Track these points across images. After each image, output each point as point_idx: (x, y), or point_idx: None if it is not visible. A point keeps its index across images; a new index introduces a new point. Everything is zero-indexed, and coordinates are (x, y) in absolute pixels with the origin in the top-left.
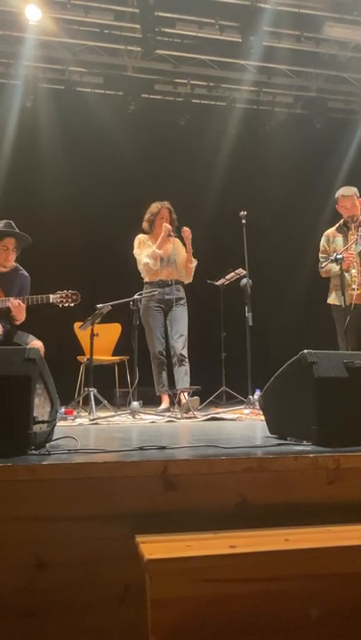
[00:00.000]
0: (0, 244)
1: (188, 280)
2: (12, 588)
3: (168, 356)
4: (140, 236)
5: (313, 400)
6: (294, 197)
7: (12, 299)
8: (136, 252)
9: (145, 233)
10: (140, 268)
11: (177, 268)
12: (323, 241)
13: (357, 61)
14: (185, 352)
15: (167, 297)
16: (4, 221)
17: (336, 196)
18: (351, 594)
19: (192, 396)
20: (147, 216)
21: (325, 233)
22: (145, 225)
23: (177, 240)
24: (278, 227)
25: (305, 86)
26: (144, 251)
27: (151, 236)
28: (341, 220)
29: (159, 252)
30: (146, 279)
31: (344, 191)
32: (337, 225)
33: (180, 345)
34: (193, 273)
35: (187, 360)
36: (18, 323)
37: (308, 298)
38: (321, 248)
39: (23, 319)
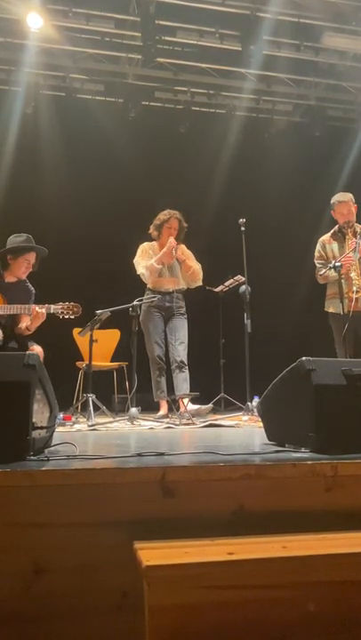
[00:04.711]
0: (23, 257)
1: (195, 284)
2: (9, 594)
3: (167, 362)
4: (145, 245)
5: (311, 407)
6: (293, 205)
7: (34, 307)
8: (136, 260)
9: (152, 238)
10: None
11: (180, 278)
12: (318, 247)
13: (356, 70)
14: (185, 359)
15: (167, 304)
16: (24, 235)
17: (332, 202)
18: (349, 601)
19: (190, 402)
20: (155, 222)
21: (320, 239)
22: (152, 231)
23: (184, 248)
24: (277, 234)
25: (304, 95)
26: (143, 261)
27: (157, 244)
28: (336, 227)
29: (158, 267)
30: (149, 285)
31: (340, 197)
32: (332, 231)
33: (181, 352)
34: (197, 276)
35: (186, 367)
36: (29, 333)
37: (306, 305)
38: (316, 254)
39: (33, 331)
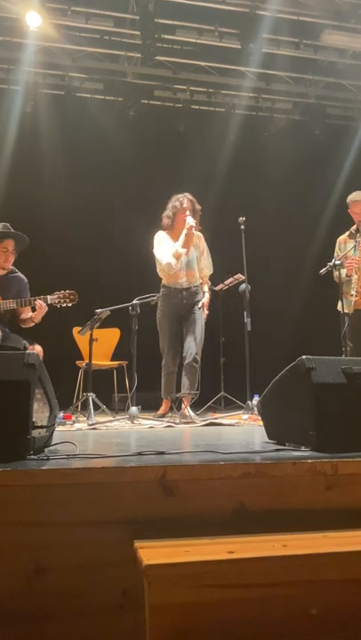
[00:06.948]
0: (0, 245)
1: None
2: (10, 593)
3: (180, 364)
4: (160, 233)
5: (311, 406)
6: (293, 203)
7: (38, 299)
8: (156, 249)
9: (163, 229)
10: (160, 268)
11: (197, 270)
12: (336, 247)
13: (356, 68)
14: (198, 356)
15: (184, 301)
16: (1, 224)
17: (348, 200)
18: (350, 599)
19: (192, 401)
20: (167, 211)
21: (338, 239)
22: (165, 221)
23: (201, 239)
24: (277, 232)
25: (304, 93)
26: (166, 249)
27: (172, 233)
28: (354, 226)
29: (182, 250)
30: (164, 281)
31: (355, 196)
32: (349, 231)
33: (195, 348)
34: (204, 277)
35: (198, 363)
36: (32, 325)
37: (306, 303)
38: (335, 254)
39: (39, 321)
